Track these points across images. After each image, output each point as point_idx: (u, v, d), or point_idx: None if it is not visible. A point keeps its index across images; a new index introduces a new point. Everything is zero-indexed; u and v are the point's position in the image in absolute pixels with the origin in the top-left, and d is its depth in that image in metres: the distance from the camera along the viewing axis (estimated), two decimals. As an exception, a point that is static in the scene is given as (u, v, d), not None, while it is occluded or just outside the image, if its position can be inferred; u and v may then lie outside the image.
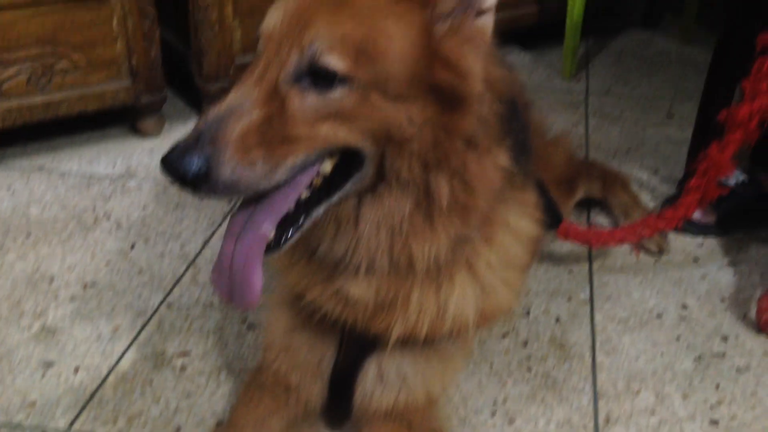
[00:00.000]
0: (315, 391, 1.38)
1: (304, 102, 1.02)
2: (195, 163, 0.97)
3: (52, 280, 1.85)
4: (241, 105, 1.02)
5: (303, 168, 1.05)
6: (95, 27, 2.34)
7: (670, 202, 2.14)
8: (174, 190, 2.24)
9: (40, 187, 2.25)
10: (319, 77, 1.02)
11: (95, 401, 1.51)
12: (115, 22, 2.36)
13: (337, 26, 1.02)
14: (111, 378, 1.57)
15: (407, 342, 1.28)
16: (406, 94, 1.05)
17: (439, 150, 1.09)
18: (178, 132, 2.58)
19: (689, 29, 3.52)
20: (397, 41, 1.04)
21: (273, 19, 1.07)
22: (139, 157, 2.44)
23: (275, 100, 1.03)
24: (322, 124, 1.03)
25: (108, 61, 2.39)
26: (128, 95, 2.45)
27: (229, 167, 0.98)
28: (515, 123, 1.23)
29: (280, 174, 1.02)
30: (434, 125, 1.07)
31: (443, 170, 1.10)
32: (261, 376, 1.41)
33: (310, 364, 1.36)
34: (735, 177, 2.12)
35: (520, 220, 1.32)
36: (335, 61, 1.00)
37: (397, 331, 1.24)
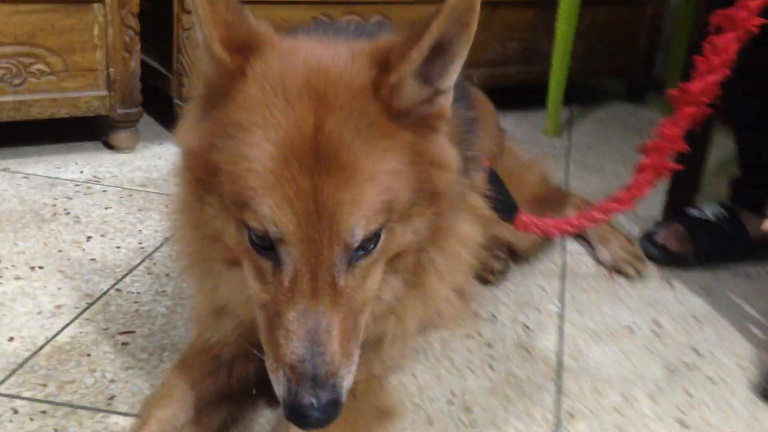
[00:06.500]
0: (250, 369, 1.30)
1: (354, 277, 1.00)
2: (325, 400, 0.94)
3: (-1, 261, 1.77)
4: (319, 324, 0.96)
5: None
6: (76, 32, 2.33)
7: (649, 235, 2.10)
8: (140, 197, 2.18)
9: (1, 184, 2.18)
10: (361, 251, 0.99)
11: (26, 368, 1.40)
12: (96, 29, 2.35)
13: (362, 206, 0.95)
14: (47, 348, 1.46)
15: None
16: (410, 210, 1.04)
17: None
18: (151, 150, 2.54)
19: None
20: (395, 169, 0.99)
21: (284, 217, 0.94)
22: (108, 167, 2.39)
23: (333, 290, 0.97)
24: (369, 276, 1.03)
25: (85, 69, 2.38)
26: (103, 105, 2.42)
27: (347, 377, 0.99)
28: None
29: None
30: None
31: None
32: (196, 343, 1.33)
33: (242, 345, 1.26)
34: (714, 211, 2.09)
35: (466, 226, 1.28)
36: (367, 233, 0.97)
37: None
